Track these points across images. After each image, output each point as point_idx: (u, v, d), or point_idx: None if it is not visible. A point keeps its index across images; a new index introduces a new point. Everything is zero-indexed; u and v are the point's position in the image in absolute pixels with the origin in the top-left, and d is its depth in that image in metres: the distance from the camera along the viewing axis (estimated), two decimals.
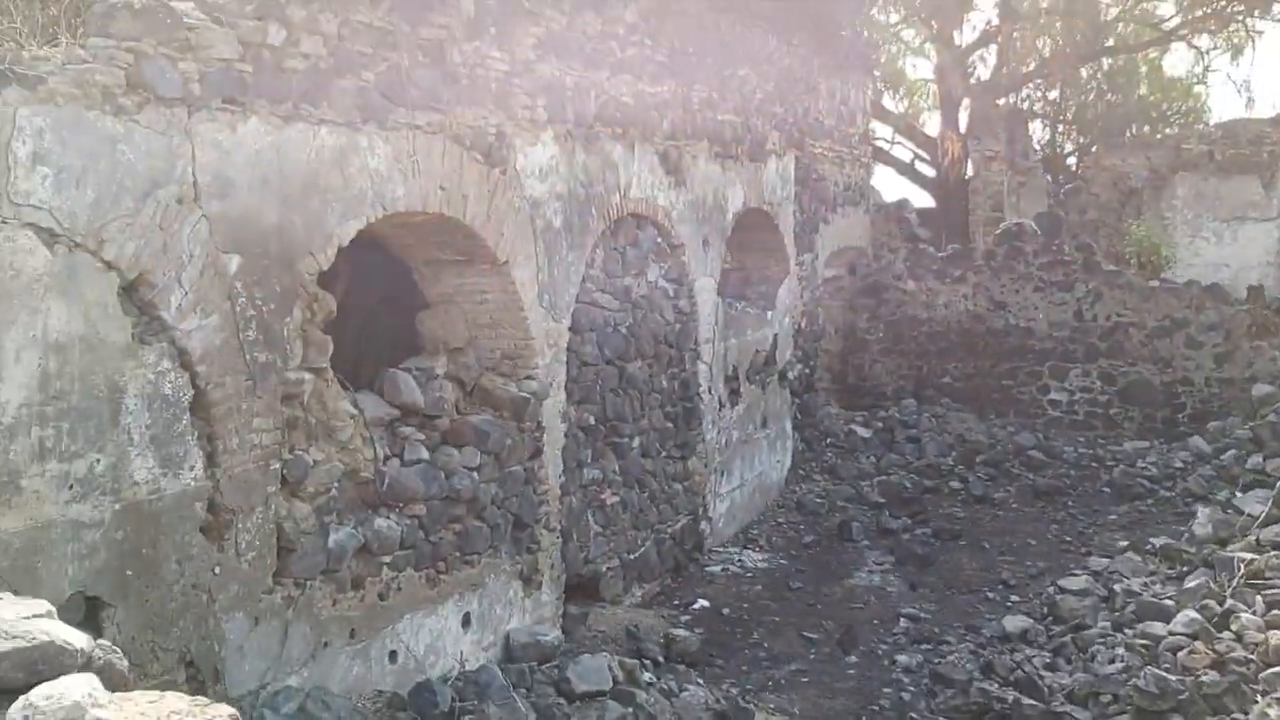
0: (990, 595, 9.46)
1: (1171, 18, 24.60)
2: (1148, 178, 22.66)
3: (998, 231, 15.51)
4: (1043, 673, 7.27)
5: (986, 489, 12.67)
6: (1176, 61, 40.94)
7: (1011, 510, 12.19)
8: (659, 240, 9.61)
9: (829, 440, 13.84)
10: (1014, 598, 9.39)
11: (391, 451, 6.85)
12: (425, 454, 6.94)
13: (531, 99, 7.62)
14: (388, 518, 6.55)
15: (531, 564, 7.78)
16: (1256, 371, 13.61)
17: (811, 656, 8.28)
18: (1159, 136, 23.98)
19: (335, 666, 6.11)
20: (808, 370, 13.51)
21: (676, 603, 9.34)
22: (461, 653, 7.07)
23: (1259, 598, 6.75)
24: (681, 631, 8.27)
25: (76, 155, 4.62)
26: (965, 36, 25.31)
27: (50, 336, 4.55)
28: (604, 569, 8.73)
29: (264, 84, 5.51)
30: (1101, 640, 7.40)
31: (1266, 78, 47.79)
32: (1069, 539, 11.10)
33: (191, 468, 5.22)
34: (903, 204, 15.74)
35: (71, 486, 4.64)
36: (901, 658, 8.13)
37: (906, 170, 26.42)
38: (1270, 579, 6.89)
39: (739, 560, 10.38)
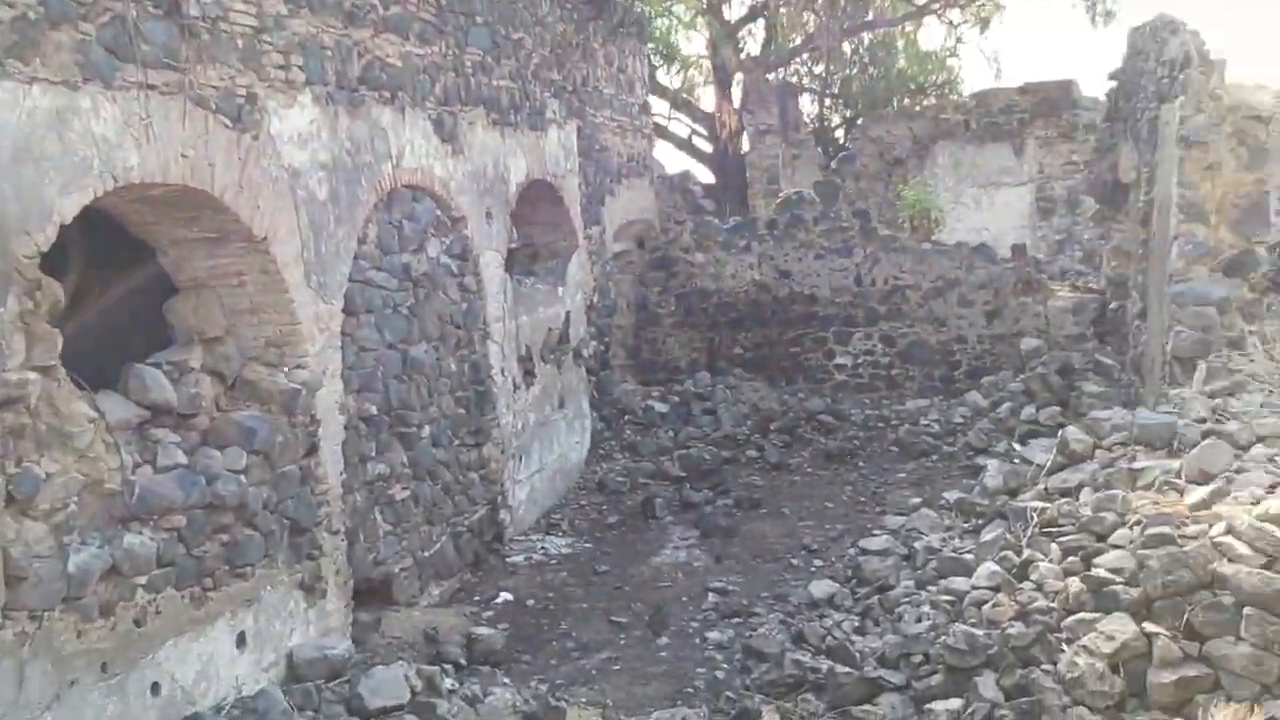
0: (795, 562, 9.41)
1: None
2: (911, 147, 23.62)
3: (778, 201, 15.64)
4: (853, 638, 7.20)
5: (782, 455, 12.74)
6: (931, 35, 43.05)
7: (807, 475, 12.30)
8: (438, 213, 9.02)
9: (627, 417, 13.60)
10: (818, 562, 9.37)
11: (142, 458, 6.04)
12: (182, 458, 6.16)
13: (285, 58, 6.89)
14: (140, 533, 5.76)
15: (313, 571, 7.09)
16: (1023, 327, 14.25)
17: (622, 642, 7.97)
18: (918, 108, 24.99)
19: (86, 706, 5.31)
20: (602, 347, 13.20)
21: (478, 598, 8.83)
22: (238, 677, 6.34)
23: (1054, 546, 6.87)
24: (484, 629, 7.78)
25: None
26: (735, 11, 25.67)
27: None
28: (396, 569, 8.13)
29: None
30: (907, 600, 7.39)
31: (1012, 50, 51.23)
32: (863, 499, 11.25)
33: None
34: (686, 176, 15.67)
35: None
36: (713, 634, 7.92)
37: (685, 145, 26.57)
38: (1063, 526, 7.03)
39: (542, 548, 9.97)
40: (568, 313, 11.82)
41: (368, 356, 7.85)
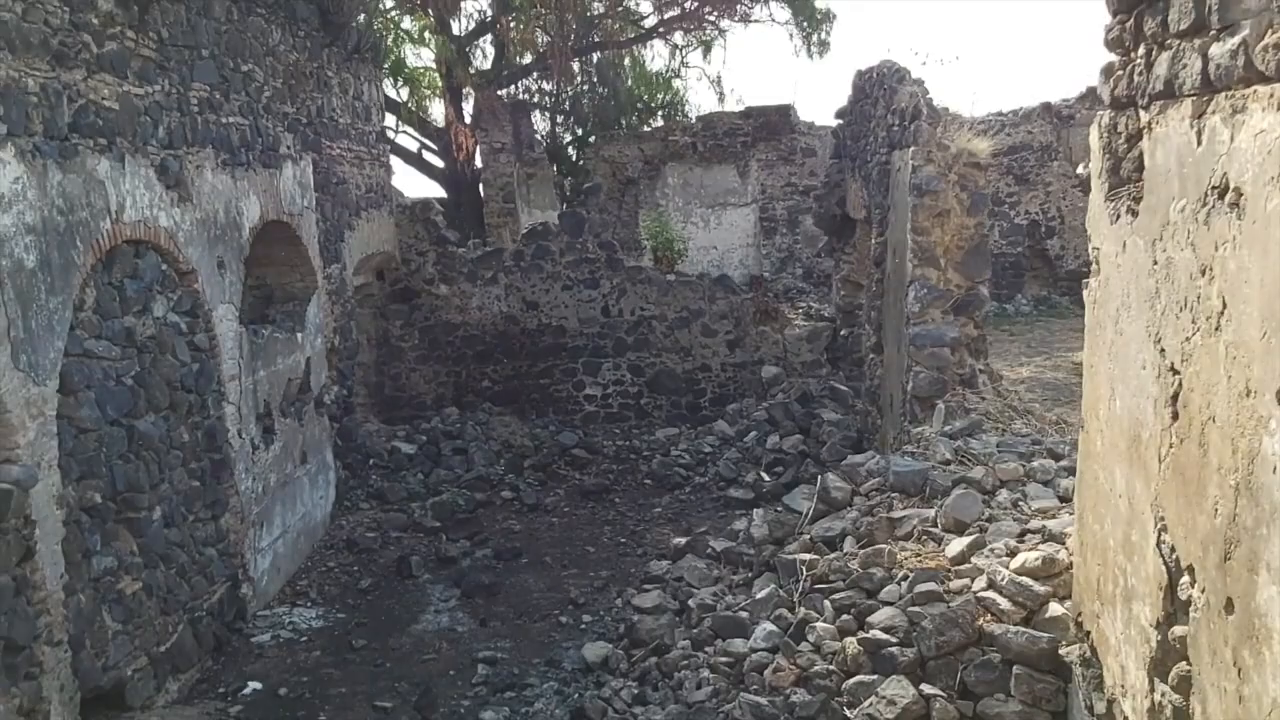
0: (563, 619, 9.19)
1: (650, 15, 26.15)
2: (643, 168, 24.06)
3: (524, 232, 15.39)
4: (634, 709, 7.06)
5: (539, 496, 12.53)
6: (656, 56, 43.95)
7: (565, 515, 12.13)
8: (164, 268, 8.14)
9: (372, 461, 12.94)
10: (586, 618, 9.20)
11: None
12: None
13: None
14: None
15: (33, 693, 6.18)
16: (763, 354, 14.72)
17: None
18: (648, 129, 25.49)
19: None
20: (345, 391, 12.47)
21: (222, 690, 8.04)
22: None
23: (827, 603, 7.01)
24: None
25: None
26: (463, 25, 25.18)
27: None
28: (129, 672, 7.25)
29: None
30: (685, 663, 7.34)
31: (734, 75, 53.41)
32: (623, 540, 11.21)
33: None
34: (429, 205, 15.12)
35: None
36: (486, 715, 7.56)
37: (414, 160, 25.81)
38: (834, 581, 7.20)
39: (290, 622, 9.22)
40: (308, 359, 11.06)
41: (89, 439, 6.94)
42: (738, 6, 23.69)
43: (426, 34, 23.55)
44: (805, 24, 22.65)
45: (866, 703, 6.09)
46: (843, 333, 14.48)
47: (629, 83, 27.70)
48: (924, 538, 7.35)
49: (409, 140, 25.87)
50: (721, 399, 14.67)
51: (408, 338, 14.90)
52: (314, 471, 11.10)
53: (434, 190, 25.56)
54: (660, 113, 27.61)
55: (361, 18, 12.78)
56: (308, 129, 11.22)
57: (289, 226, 10.70)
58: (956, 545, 6.94)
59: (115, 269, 7.41)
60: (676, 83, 28.10)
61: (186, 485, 8.24)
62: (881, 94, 11.47)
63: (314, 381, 11.19)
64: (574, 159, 27.30)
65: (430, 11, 23.41)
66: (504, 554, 10.72)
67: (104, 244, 7.16)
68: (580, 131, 27.49)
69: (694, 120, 24.61)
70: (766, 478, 12.31)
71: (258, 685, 8.09)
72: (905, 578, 6.83)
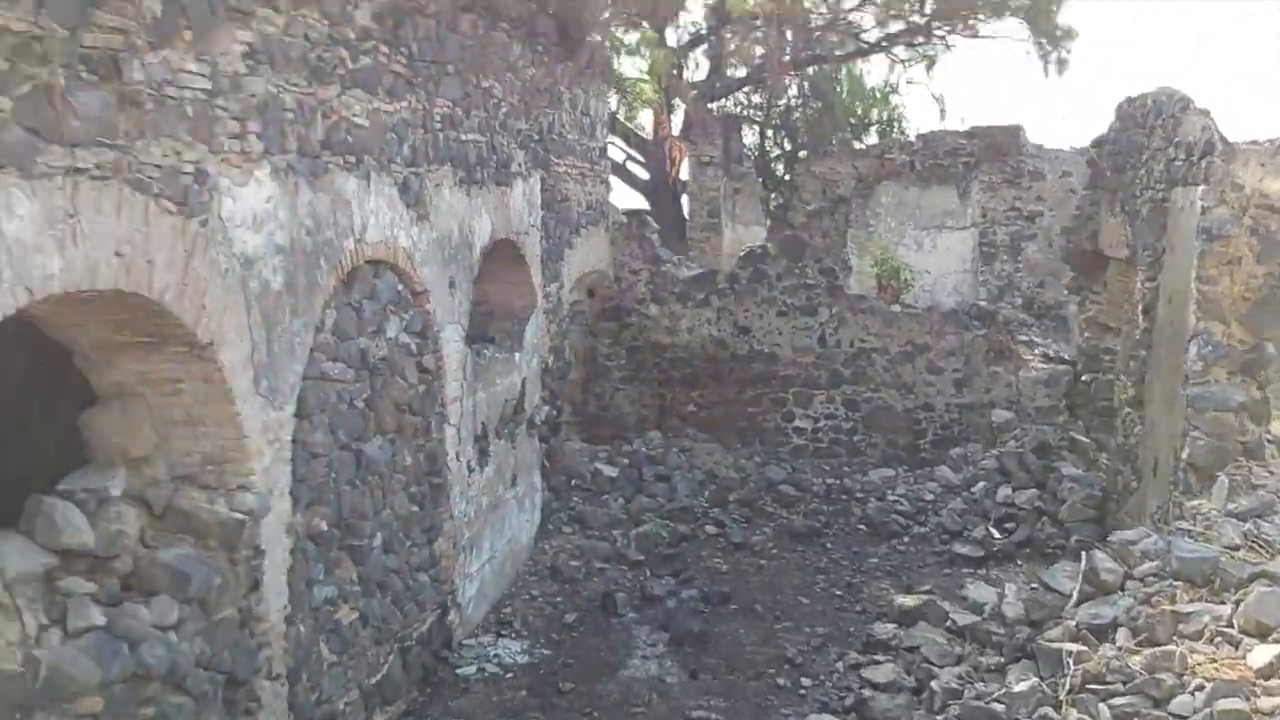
0: (780, 681, 8.55)
1: (872, 28, 25.20)
2: (855, 186, 23.15)
3: (741, 253, 14.85)
4: None
5: (745, 533, 11.94)
6: (873, 71, 42.70)
7: (772, 557, 11.49)
8: (399, 288, 7.95)
9: (574, 483, 12.64)
10: (805, 681, 8.53)
11: (49, 618, 4.91)
12: (98, 617, 5.04)
13: (241, 125, 5.78)
14: None
15: None
16: (994, 397, 13.71)
17: None
18: (860, 145, 24.57)
19: None
20: (555, 411, 12.20)
21: None
22: None
23: (1104, 708, 6.15)
24: None
25: None
26: (679, 37, 24.89)
27: None
28: (341, 705, 7.04)
29: None
30: None
31: (957, 91, 51.28)
32: (839, 592, 10.49)
33: None
34: (644, 222, 14.75)
35: None
36: None
37: (618, 170, 25.71)
38: (1111, 683, 6.34)
39: (495, 655, 8.92)
40: (524, 380, 10.82)
41: (319, 464, 6.76)
42: (970, 21, 22.50)
43: (642, 46, 23.34)
44: (1045, 41, 21.24)
45: None
46: (1084, 378, 13.29)
47: (844, 97, 26.84)
48: (1218, 639, 6.37)
49: (614, 151, 25.79)
50: (944, 442, 13.73)
51: (614, 357, 14.59)
52: (522, 494, 10.84)
53: (635, 201, 25.35)
54: (875, 129, 26.64)
55: (600, 32, 12.53)
56: (538, 145, 10.98)
57: (515, 245, 10.47)
58: (1263, 654, 5.95)
59: (355, 290, 7.24)
60: (894, 98, 27.07)
61: (406, 510, 8.04)
62: (1159, 124, 10.35)
63: (528, 402, 10.94)
64: (782, 175, 26.61)
65: (648, 23, 23.21)
66: (712, 597, 10.17)
67: (347, 264, 6.98)
68: (790, 146, 26.81)
69: (913, 138, 23.53)
70: (997, 534, 11.34)
71: None
72: (1201, 688, 5.89)
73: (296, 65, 6.30)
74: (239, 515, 5.79)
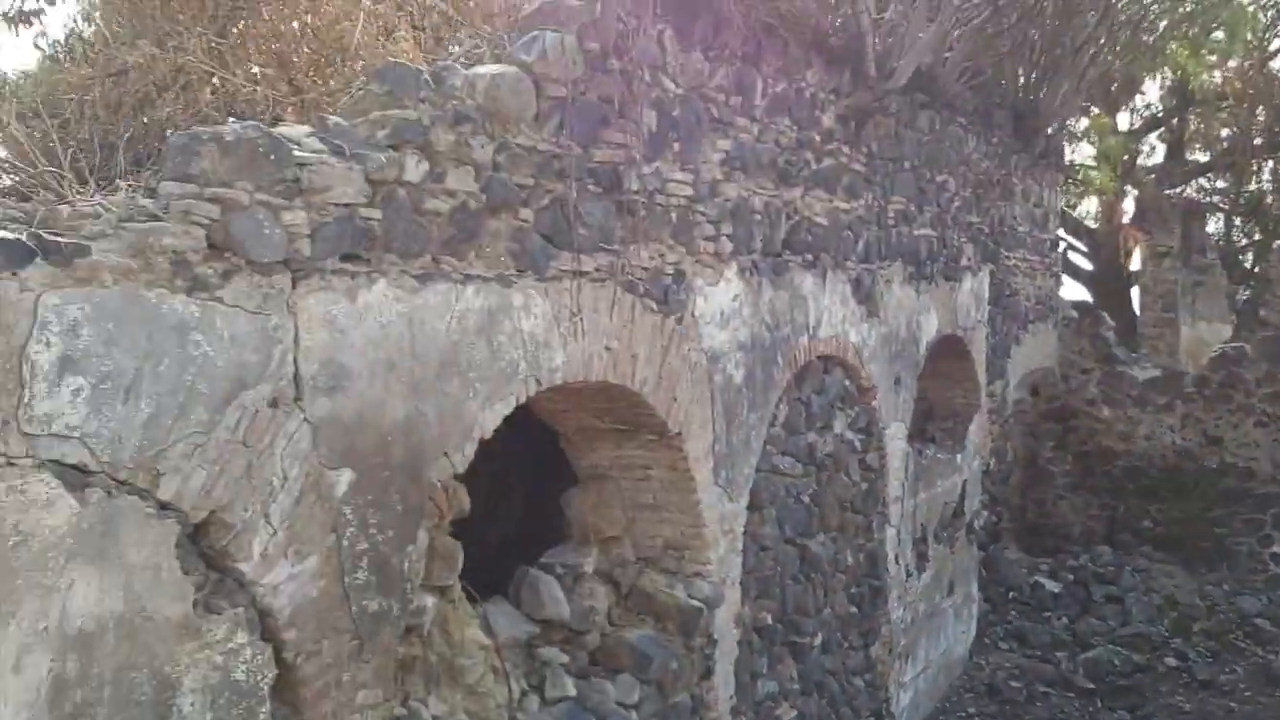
0: None
1: None
2: None
3: (1213, 355, 13.39)
4: None
5: (1211, 671, 10.54)
6: None
7: (1245, 700, 10.04)
8: (846, 384, 7.94)
9: (1012, 595, 11.85)
10: None
11: (529, 684, 5.28)
12: (571, 688, 5.34)
13: (715, 227, 6.09)
14: None
15: None
16: None
17: None
18: None
19: None
20: (994, 518, 11.58)
21: None
22: None
23: None
24: None
25: (128, 356, 3.19)
26: (1131, 120, 23.34)
27: (71, 625, 3.08)
28: None
29: (396, 234, 4.07)
30: None
31: None
32: None
33: None
34: (1098, 318, 13.75)
35: None
36: None
37: (1062, 261, 24.32)
38: None
39: None
40: (964, 482, 10.37)
41: (766, 557, 6.84)
42: None
43: (1094, 131, 22.09)
44: None
45: None
46: None
47: None
48: None
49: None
50: None
51: (1058, 462, 13.59)
52: (959, 603, 10.32)
53: (1078, 293, 23.79)
54: None
55: (1060, 121, 12.02)
56: (988, 239, 10.63)
57: (961, 341, 10.14)
58: None
59: (805, 385, 7.31)
60: None
61: (845, 610, 7.90)
62: None
63: (967, 506, 10.46)
64: (1251, 266, 23.93)
65: (1100, 108, 21.98)
66: None
67: (800, 360, 7.08)
68: (1260, 236, 24.07)
69: None
70: None
71: None
72: None
73: (766, 169, 6.54)
74: (696, 602, 5.95)
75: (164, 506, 3.33)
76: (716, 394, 6.16)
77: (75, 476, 3.09)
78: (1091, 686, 10.06)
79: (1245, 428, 12.66)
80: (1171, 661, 10.75)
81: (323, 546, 3.81)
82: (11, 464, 2.94)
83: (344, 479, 3.89)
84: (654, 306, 5.58)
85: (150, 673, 3.30)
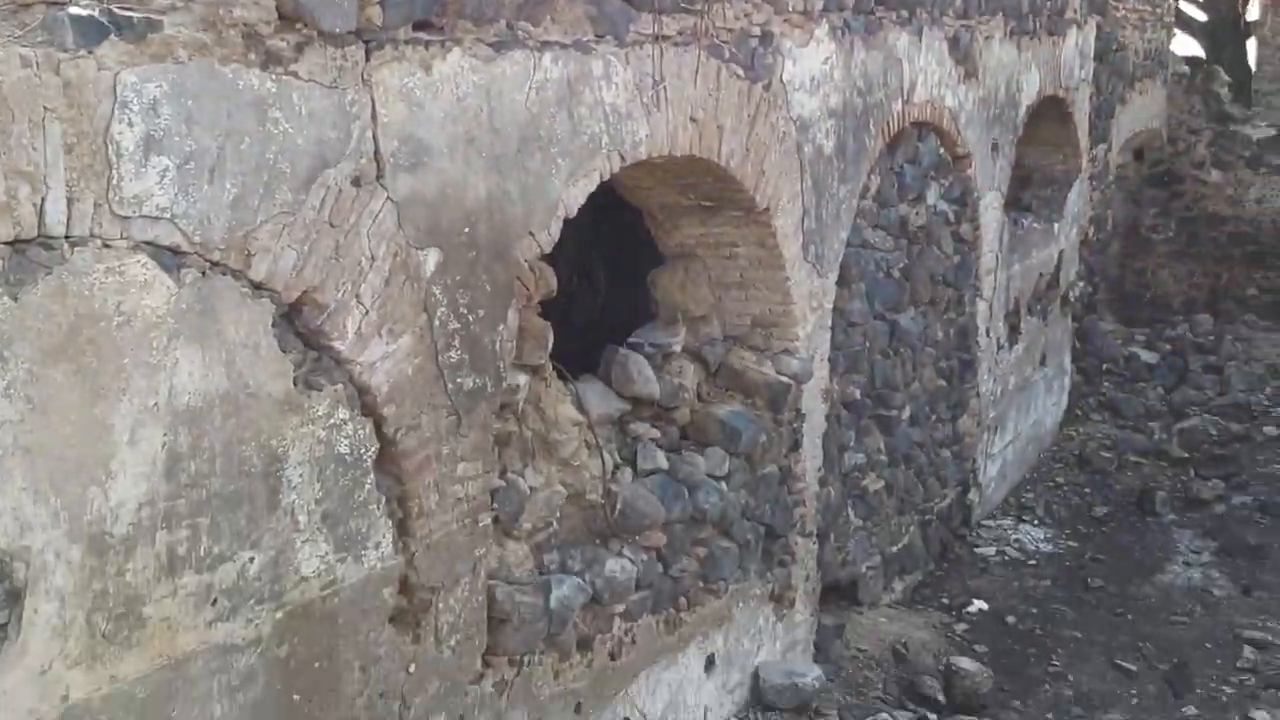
0: None
1: None
2: None
3: None
4: None
5: None
6: None
7: None
8: (941, 152, 7.62)
9: (1106, 367, 11.70)
10: None
11: (621, 458, 5.39)
12: (663, 461, 5.45)
13: None
14: (620, 554, 5.12)
15: (784, 580, 6.28)
16: None
17: (1134, 700, 6.58)
18: None
19: None
20: (1090, 288, 11.29)
21: (945, 600, 7.73)
22: (705, 706, 5.71)
23: None
24: (965, 662, 6.66)
25: (209, 135, 3.11)
26: None
27: (179, 402, 3.16)
28: (863, 568, 7.18)
29: None
30: None
31: None
32: None
33: (378, 545, 3.85)
34: (1212, 73, 12.88)
35: (215, 602, 3.33)
36: (1259, 714, 6.31)
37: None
38: None
39: (1015, 539, 8.64)
40: (1061, 252, 10.07)
41: (855, 332, 6.77)
42: None
43: None
44: None
45: None
46: None
47: None
48: None
49: None
50: None
51: (1161, 229, 13.10)
52: (1050, 375, 10.23)
53: (1189, 48, 22.25)
54: None
55: None
56: None
57: (1063, 102, 9.61)
58: None
59: (898, 153, 7.03)
60: None
61: (934, 384, 7.87)
62: None
63: (1063, 277, 10.19)
64: None
65: None
66: (1270, 508, 9.02)
67: (893, 127, 6.78)
68: None
69: None
70: None
71: (983, 605, 7.64)
72: None
73: None
74: (784, 378, 5.95)
75: (257, 286, 3.34)
76: (806, 165, 5.94)
77: (169, 258, 3.09)
78: (1185, 455, 10.01)
79: None
80: (1271, 430, 10.61)
81: (415, 325, 3.83)
82: (108, 246, 2.94)
83: (431, 258, 3.87)
84: (740, 72, 5.31)
85: (258, 446, 3.40)
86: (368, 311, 3.66)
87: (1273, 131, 12.71)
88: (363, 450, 3.75)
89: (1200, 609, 7.60)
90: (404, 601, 3.99)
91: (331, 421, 3.62)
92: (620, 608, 5.08)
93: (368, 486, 3.78)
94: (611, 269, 7.74)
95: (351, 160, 3.55)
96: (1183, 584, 7.97)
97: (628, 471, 5.34)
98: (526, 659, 4.57)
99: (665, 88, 4.81)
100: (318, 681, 3.68)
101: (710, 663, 5.74)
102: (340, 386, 3.64)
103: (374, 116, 3.61)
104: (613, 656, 5.08)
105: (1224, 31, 21.05)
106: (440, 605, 4.11)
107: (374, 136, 3.62)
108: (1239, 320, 12.43)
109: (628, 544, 5.17)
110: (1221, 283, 12.80)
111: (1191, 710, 6.45)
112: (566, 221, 4.48)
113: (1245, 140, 12.56)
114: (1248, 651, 6.99)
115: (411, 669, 4.03)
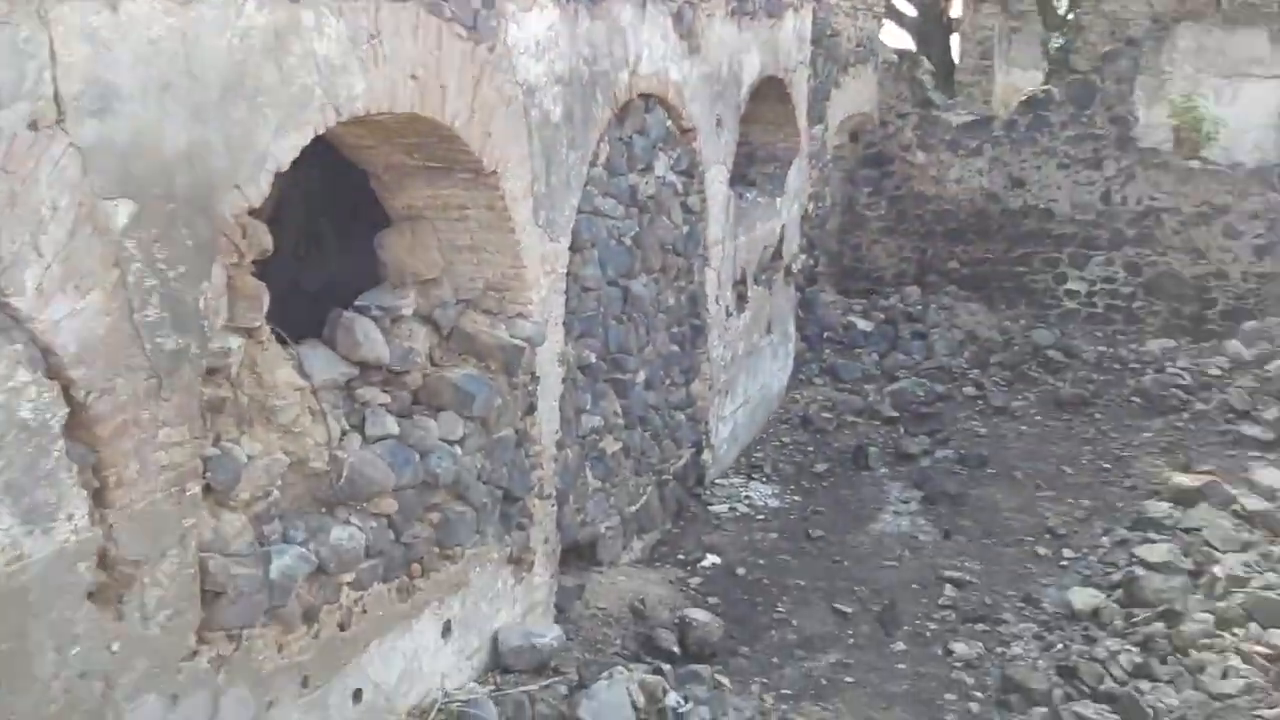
0: (1040, 550, 8.25)
1: None
2: (1149, 27, 20.93)
3: (1022, 99, 13.81)
4: (1138, 684, 6.09)
5: (1005, 398, 11.43)
6: None
7: (1035, 424, 10.99)
8: (668, 124, 7.84)
9: (827, 335, 12.43)
10: (1067, 552, 8.20)
11: (349, 424, 5.25)
12: (393, 425, 5.35)
13: None
14: (347, 523, 5.00)
15: (522, 543, 6.32)
16: None
17: (850, 640, 7.04)
18: None
19: None
20: (812, 261, 11.95)
21: (682, 557, 8.01)
22: (441, 672, 5.67)
23: None
24: (699, 614, 6.92)
25: None
26: None
27: None
28: (603, 529, 7.33)
29: None
30: (1207, 643, 6.23)
31: None
32: (1106, 465, 9.93)
33: (70, 516, 3.58)
34: (917, 61, 13.90)
35: None
36: (959, 646, 6.90)
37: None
38: None
39: (746, 496, 9.06)
40: (783, 226, 10.59)
41: (589, 298, 6.88)
42: None
43: None
44: None
45: None
46: None
47: None
48: None
49: None
50: (1236, 314, 12.58)
51: (874, 207, 14.04)
52: (776, 342, 10.76)
53: (900, 40, 23.89)
54: None
55: None
56: None
57: (782, 83, 10.10)
58: None
59: (627, 124, 7.18)
60: None
61: (667, 349, 8.12)
62: None
63: (786, 250, 10.73)
64: (1065, 13, 24.40)
65: None
66: (969, 460, 9.86)
67: (621, 97, 6.91)
68: None
69: None
70: None
71: (716, 559, 7.97)
72: None
73: None
74: (518, 341, 5.96)
75: None
76: (534, 130, 5.97)
77: None
78: (895, 414, 10.79)
79: (1048, 170, 13.29)
80: (970, 391, 11.60)
81: (105, 281, 3.58)
82: None
83: (123, 210, 3.62)
84: (463, 33, 5.26)
85: None
86: (49, 265, 3.39)
87: (971, 118, 13.86)
88: (48, 415, 3.47)
89: (908, 553, 8.23)
90: (103, 576, 3.74)
91: (10, 385, 3.34)
92: (349, 577, 4.96)
93: (56, 454, 3.51)
94: (346, 236, 7.52)
95: (27, 102, 3.27)
96: (892, 531, 8.60)
97: (356, 438, 5.21)
98: (246, 633, 4.38)
99: (382, 43, 4.70)
100: (7, 664, 3.40)
101: (447, 629, 5.70)
102: (20, 347, 3.36)
103: (53, 56, 3.34)
104: (342, 627, 4.95)
105: (931, 26, 22.71)
106: (146, 579, 3.87)
107: (53, 78, 3.35)
108: (942, 291, 13.51)
109: (356, 512, 5.05)
110: (927, 257, 13.87)
111: (900, 646, 6.97)
112: (294, 185, 4.31)
113: (947, 125, 13.65)
114: (948, 590, 7.62)
115: (115, 647, 3.78)
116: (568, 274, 6.54)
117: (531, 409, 6.22)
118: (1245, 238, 12.62)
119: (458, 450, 5.62)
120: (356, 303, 5.58)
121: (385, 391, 5.47)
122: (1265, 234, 12.53)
